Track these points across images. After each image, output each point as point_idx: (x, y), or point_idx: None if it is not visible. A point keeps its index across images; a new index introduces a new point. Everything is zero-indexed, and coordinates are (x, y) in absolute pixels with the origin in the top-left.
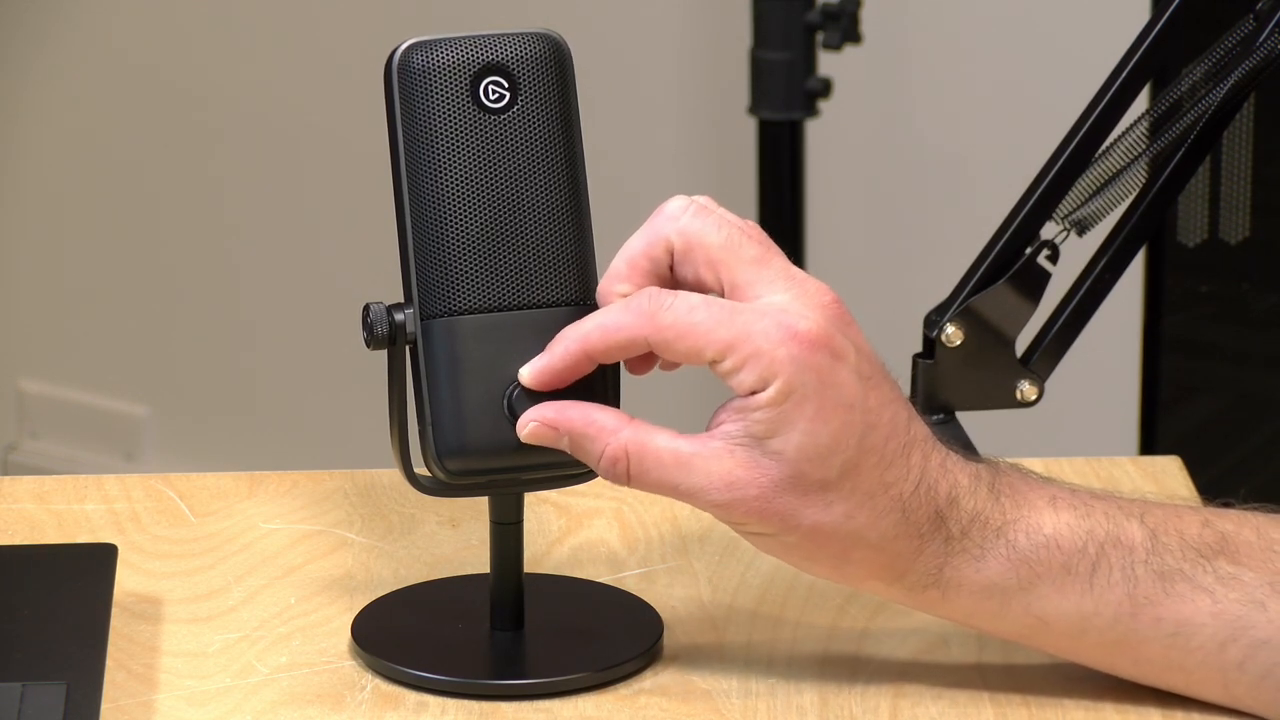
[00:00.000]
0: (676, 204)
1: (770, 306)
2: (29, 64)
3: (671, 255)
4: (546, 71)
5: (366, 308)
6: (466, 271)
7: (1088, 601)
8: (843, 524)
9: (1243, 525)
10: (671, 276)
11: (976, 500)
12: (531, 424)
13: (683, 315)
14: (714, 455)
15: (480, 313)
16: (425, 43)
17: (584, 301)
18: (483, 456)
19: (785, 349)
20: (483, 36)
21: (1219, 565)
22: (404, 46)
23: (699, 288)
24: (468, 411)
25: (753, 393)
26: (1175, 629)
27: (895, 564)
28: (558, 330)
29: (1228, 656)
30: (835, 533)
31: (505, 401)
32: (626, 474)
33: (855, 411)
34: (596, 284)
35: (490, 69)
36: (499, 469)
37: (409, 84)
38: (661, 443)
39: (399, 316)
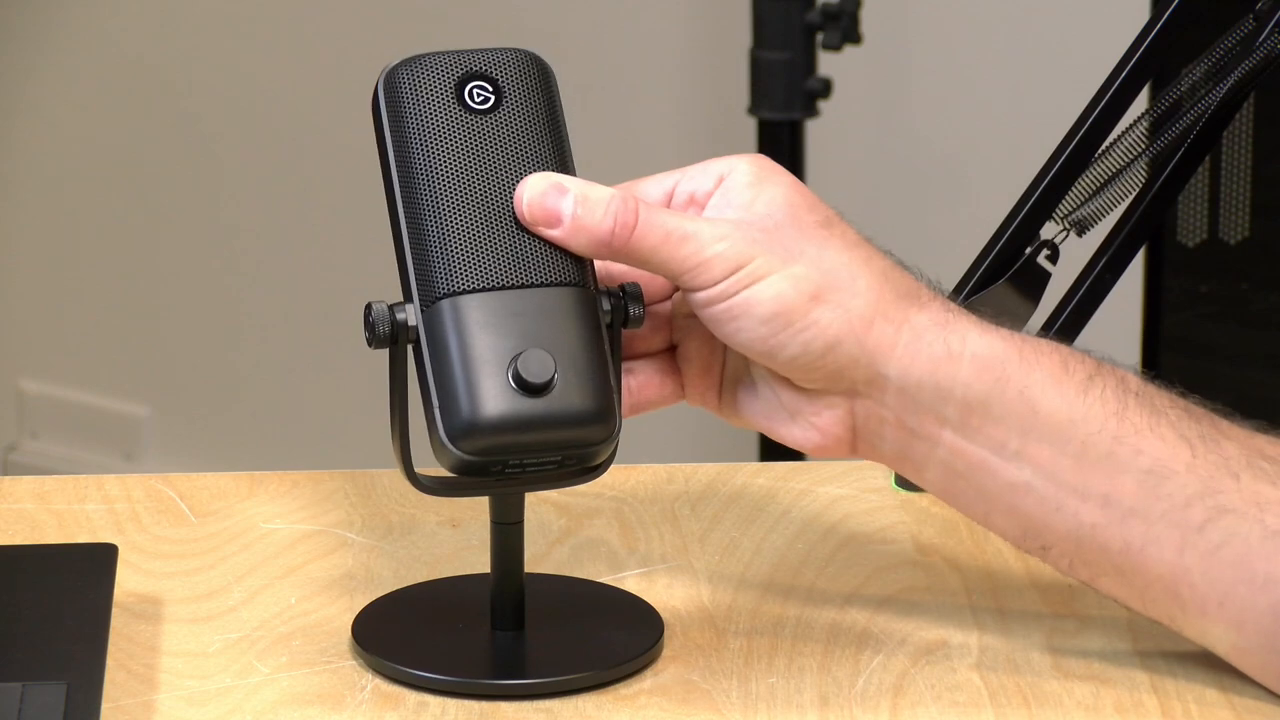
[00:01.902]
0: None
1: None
2: (29, 64)
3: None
4: (529, 77)
5: (368, 307)
6: (465, 252)
7: (1079, 405)
8: (845, 251)
9: (1233, 419)
10: None
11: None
12: (534, 189)
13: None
14: (712, 219)
15: (480, 291)
16: (408, 60)
17: (582, 282)
18: (494, 431)
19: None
20: (465, 51)
21: (1204, 427)
22: (388, 68)
23: None
24: (475, 389)
25: (719, 184)
26: (1151, 465)
27: (902, 296)
28: (559, 308)
29: (1191, 514)
30: (839, 259)
31: (511, 371)
32: (635, 215)
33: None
34: (594, 275)
35: (473, 75)
36: (509, 446)
37: (395, 97)
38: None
39: (400, 315)
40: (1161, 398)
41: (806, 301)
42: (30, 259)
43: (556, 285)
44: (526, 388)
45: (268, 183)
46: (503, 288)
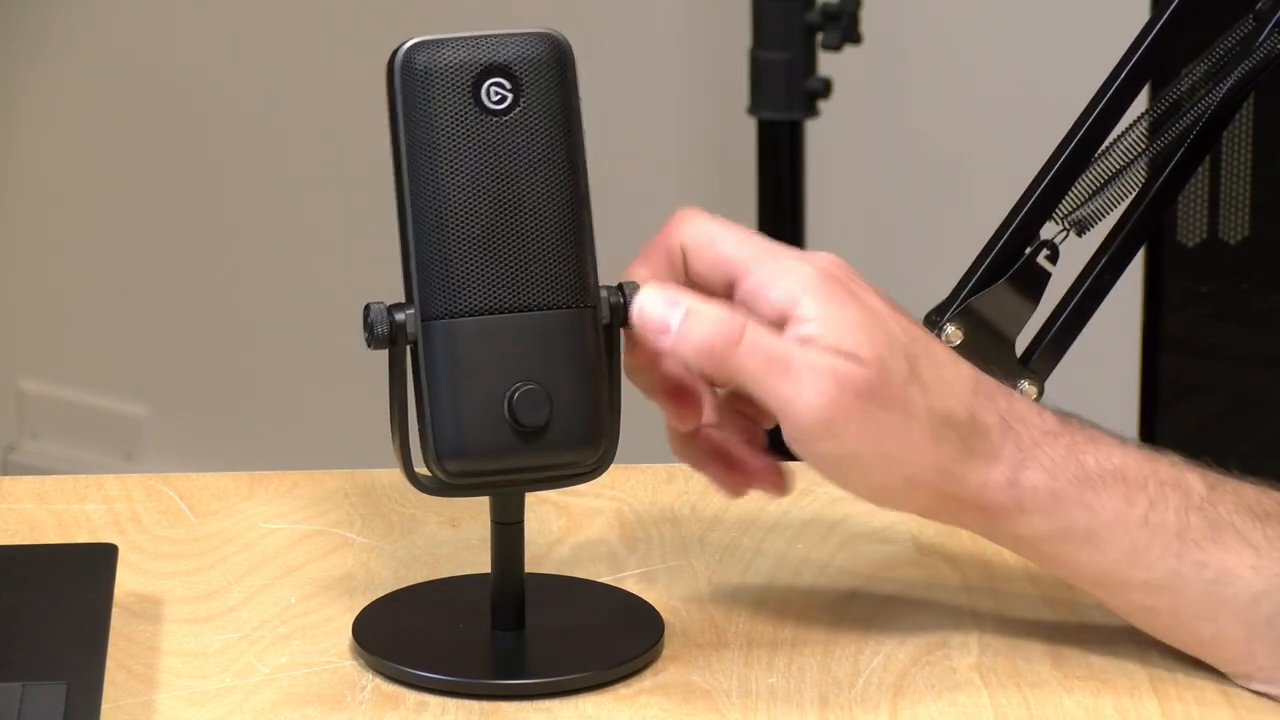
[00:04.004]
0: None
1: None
2: (29, 64)
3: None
4: (548, 72)
5: (367, 308)
6: (467, 274)
7: (1142, 536)
8: (938, 403)
9: None
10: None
11: (1044, 419)
12: (650, 304)
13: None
14: (814, 365)
15: (480, 315)
16: (427, 42)
17: (583, 304)
18: (482, 458)
19: (807, 266)
20: (485, 36)
21: (1269, 528)
22: (406, 46)
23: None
24: (468, 413)
25: (783, 315)
26: (1216, 576)
27: (973, 456)
28: (558, 332)
29: (1258, 611)
30: (932, 409)
31: (507, 404)
32: (741, 331)
33: (888, 318)
34: (596, 286)
35: (492, 70)
36: (498, 470)
37: (411, 84)
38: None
39: (399, 317)
40: (1226, 503)
41: (899, 482)
42: (30, 259)
43: (557, 309)
44: (521, 428)
45: (268, 183)
46: (503, 311)
